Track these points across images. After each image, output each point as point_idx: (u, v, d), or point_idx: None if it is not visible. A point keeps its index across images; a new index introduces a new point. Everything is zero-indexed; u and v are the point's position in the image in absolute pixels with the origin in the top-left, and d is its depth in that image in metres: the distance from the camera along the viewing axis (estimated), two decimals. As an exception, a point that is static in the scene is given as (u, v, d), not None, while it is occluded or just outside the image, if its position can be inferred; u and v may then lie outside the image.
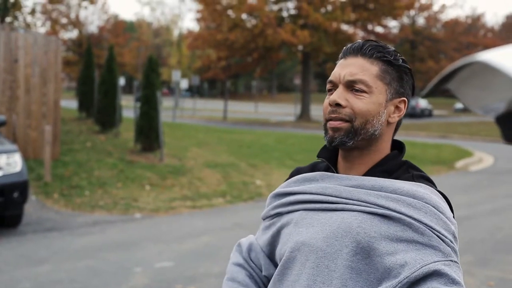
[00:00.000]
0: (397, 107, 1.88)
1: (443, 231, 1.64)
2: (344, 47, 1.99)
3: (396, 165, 1.86)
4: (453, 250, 1.64)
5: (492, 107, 0.90)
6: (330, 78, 1.92)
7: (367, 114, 1.82)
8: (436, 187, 1.82)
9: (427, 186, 1.75)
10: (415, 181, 1.78)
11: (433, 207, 1.68)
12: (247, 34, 43.34)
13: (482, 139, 32.19)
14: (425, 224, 1.64)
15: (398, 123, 1.94)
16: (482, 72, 0.84)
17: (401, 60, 1.89)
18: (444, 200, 1.75)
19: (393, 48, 1.91)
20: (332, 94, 1.88)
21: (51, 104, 14.91)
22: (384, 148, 1.89)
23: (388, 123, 1.87)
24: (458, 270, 1.59)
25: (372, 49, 1.88)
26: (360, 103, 1.83)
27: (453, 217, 1.77)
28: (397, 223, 1.66)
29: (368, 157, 1.86)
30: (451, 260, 1.60)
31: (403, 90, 1.89)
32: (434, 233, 1.63)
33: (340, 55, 1.97)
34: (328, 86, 1.93)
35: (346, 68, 1.88)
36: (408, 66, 1.91)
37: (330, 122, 1.86)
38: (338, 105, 1.84)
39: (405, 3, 45.48)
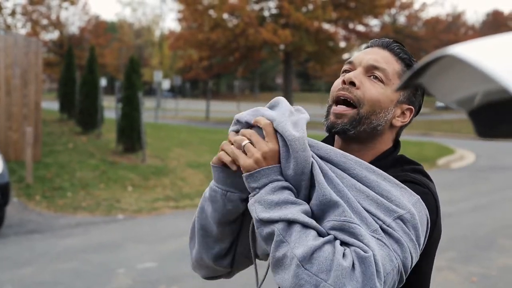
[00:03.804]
0: (403, 113, 1.90)
1: (388, 220, 1.60)
2: (372, 40, 2.01)
3: (391, 161, 1.87)
4: (388, 233, 1.59)
5: (465, 101, 0.91)
6: (351, 59, 1.94)
7: (376, 104, 1.82)
8: (427, 180, 1.82)
9: (410, 192, 1.70)
10: (406, 179, 1.75)
11: (395, 205, 1.63)
12: (229, 34, 43.30)
13: (463, 136, 32.37)
14: (370, 212, 1.62)
15: (400, 131, 1.95)
16: (454, 66, 0.84)
17: None
18: (424, 207, 1.69)
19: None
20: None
21: (32, 105, 14.83)
22: (381, 150, 1.89)
23: (392, 125, 1.88)
24: (380, 244, 1.56)
25: (399, 49, 1.92)
26: (373, 90, 1.83)
27: (435, 220, 1.76)
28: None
29: (365, 156, 1.85)
30: (373, 236, 1.57)
31: (414, 99, 1.91)
32: (373, 219, 1.61)
33: (367, 45, 2.00)
34: (345, 66, 1.94)
35: (371, 54, 1.90)
36: None
37: (335, 108, 1.85)
38: (352, 84, 1.84)
39: (386, 1, 45.59)
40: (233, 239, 1.93)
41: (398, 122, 1.89)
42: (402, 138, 2.02)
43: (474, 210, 11.77)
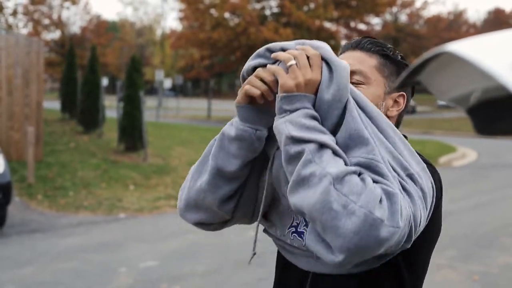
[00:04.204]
0: (395, 102, 1.95)
1: (402, 174, 1.65)
2: (343, 45, 2.05)
3: None
4: (412, 177, 1.65)
5: (463, 99, 0.90)
6: None
7: None
8: (435, 169, 1.87)
9: (418, 159, 1.76)
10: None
11: (407, 163, 1.69)
12: (230, 33, 43.33)
13: (465, 134, 32.33)
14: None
15: (399, 118, 2.00)
16: (452, 63, 0.84)
17: (399, 56, 1.97)
18: (429, 177, 1.75)
19: (390, 45, 1.98)
20: None
21: (34, 105, 14.83)
22: None
23: (387, 116, 1.90)
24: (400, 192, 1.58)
25: (370, 44, 1.95)
26: None
27: (439, 198, 1.83)
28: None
29: None
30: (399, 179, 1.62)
31: None
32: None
33: (339, 51, 2.03)
34: None
35: (344, 60, 1.90)
36: (407, 63, 1.97)
37: None
38: None
39: (387, 0, 45.60)
40: (243, 181, 1.92)
41: (393, 112, 1.95)
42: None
43: (475, 208, 11.76)
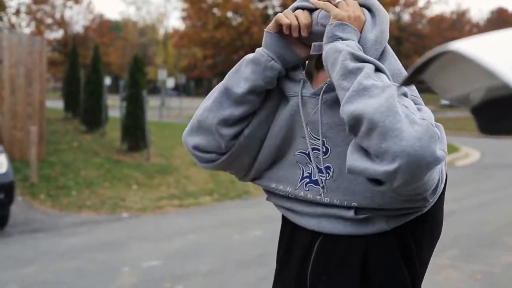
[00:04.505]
0: None
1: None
2: None
3: None
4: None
5: (467, 98, 0.90)
6: None
7: None
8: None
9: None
10: None
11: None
12: (233, 32, 43.36)
13: (468, 134, 32.28)
14: None
15: None
16: (455, 62, 0.84)
17: None
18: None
19: None
20: None
21: (37, 104, 14.83)
22: None
23: None
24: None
25: None
26: None
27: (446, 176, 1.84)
28: None
29: None
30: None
31: None
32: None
33: None
34: None
35: None
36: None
37: None
38: None
39: (390, -1, 45.56)
40: (247, 112, 1.97)
41: None
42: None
43: (478, 208, 11.73)
